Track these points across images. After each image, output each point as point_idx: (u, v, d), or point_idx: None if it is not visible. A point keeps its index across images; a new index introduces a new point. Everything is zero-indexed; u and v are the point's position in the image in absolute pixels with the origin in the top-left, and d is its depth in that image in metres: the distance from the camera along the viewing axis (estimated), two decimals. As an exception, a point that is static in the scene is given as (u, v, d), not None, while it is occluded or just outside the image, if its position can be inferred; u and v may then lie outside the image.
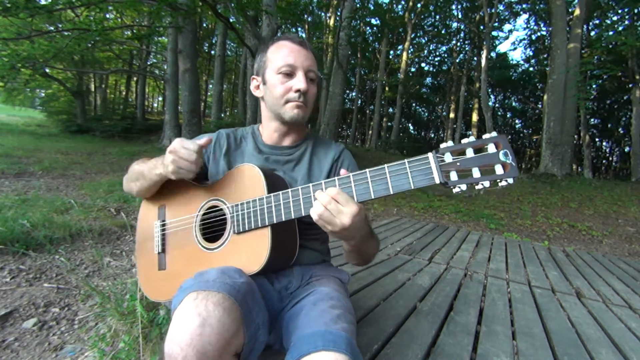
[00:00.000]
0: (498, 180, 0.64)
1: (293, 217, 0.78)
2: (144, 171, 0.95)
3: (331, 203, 0.71)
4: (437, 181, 0.65)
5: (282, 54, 0.92)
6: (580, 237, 5.28)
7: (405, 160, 0.68)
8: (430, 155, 0.67)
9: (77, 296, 1.84)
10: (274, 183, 0.87)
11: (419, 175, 0.67)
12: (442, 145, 0.67)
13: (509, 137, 25.79)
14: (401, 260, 2.33)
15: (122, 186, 1.07)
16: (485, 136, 0.65)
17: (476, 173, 0.64)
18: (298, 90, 0.91)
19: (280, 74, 0.91)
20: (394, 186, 0.69)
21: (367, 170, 0.72)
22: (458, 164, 0.65)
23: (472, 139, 0.65)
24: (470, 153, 0.65)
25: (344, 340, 0.65)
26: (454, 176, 0.65)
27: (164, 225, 0.99)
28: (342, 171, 0.76)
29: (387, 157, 14.07)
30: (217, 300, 0.62)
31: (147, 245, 1.01)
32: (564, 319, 1.66)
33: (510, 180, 0.63)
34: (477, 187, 0.65)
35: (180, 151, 0.82)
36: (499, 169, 0.64)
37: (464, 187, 0.65)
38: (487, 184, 0.64)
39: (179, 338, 0.57)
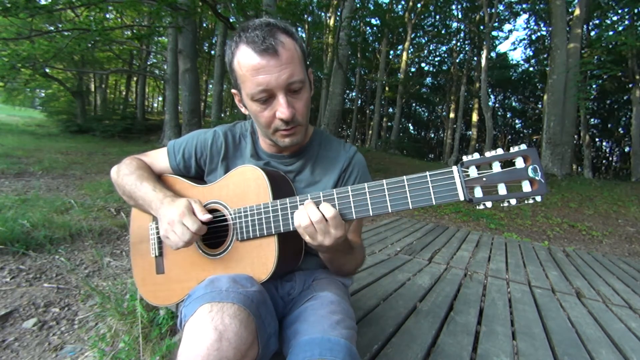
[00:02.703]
0: (525, 199, 0.59)
1: None
2: (137, 198, 0.88)
3: (322, 223, 0.67)
4: (462, 198, 0.61)
5: (249, 73, 0.73)
6: (580, 237, 5.28)
7: (427, 173, 0.64)
8: (454, 169, 0.62)
9: (77, 296, 1.84)
10: (279, 186, 0.82)
11: (441, 190, 0.63)
12: (467, 158, 0.62)
13: (509, 137, 25.81)
14: (401, 260, 2.33)
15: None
16: (514, 149, 0.60)
17: (502, 190, 0.60)
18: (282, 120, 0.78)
19: (256, 101, 0.76)
20: (413, 201, 0.64)
21: (384, 181, 0.67)
22: (484, 179, 0.60)
23: (499, 151, 0.61)
24: (496, 167, 0.60)
25: (342, 348, 0.63)
26: (478, 192, 0.61)
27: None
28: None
29: (387, 157, 14.06)
30: (233, 313, 0.60)
31: (142, 247, 0.99)
32: (564, 319, 1.66)
33: (538, 199, 0.59)
34: (502, 205, 0.61)
35: (176, 228, 0.74)
36: (526, 186, 0.59)
37: (489, 204, 0.61)
38: (513, 202, 0.59)
39: (195, 353, 0.55)
